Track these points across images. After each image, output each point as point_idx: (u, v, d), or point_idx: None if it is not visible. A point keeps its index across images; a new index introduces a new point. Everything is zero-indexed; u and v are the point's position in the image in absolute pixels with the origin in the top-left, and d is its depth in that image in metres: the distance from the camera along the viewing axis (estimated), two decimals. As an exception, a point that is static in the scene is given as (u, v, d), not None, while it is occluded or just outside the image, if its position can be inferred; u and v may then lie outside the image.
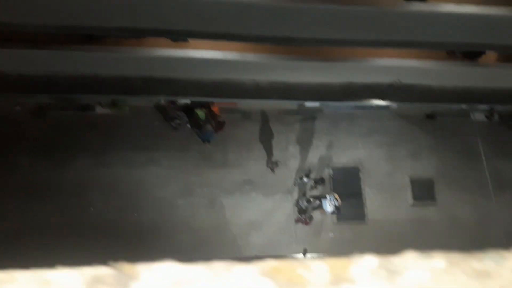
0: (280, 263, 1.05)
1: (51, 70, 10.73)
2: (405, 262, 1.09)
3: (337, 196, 13.85)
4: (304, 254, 13.64)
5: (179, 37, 10.38)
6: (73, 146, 13.54)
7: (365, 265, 1.06)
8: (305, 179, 14.25)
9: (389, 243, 14.15)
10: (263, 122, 15.10)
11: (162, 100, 14.16)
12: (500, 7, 9.07)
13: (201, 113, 14.09)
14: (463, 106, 14.73)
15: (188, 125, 14.33)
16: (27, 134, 13.43)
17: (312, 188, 14.02)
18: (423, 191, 15.31)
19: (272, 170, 14.38)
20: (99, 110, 14.07)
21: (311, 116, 15.39)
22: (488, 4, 9.10)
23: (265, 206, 14.16)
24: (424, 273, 1.06)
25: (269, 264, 1.05)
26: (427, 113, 16.14)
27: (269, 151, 14.81)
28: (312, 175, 14.46)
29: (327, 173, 14.95)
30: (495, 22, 9.20)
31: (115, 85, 11.18)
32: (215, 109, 14.44)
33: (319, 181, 13.91)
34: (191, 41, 10.67)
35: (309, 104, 14.31)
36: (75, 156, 13.46)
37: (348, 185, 15.01)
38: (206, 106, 14.23)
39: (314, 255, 13.66)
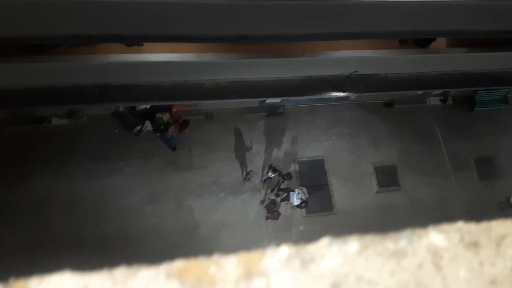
0: (188, 263, 1.03)
1: (1, 84, 10.28)
2: (319, 249, 1.08)
3: (305, 190, 14.03)
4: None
5: (133, 41, 10.18)
6: (30, 161, 13.02)
7: (278, 257, 1.05)
8: (270, 174, 14.31)
9: (358, 231, 14.41)
10: (225, 122, 15.07)
11: (121, 107, 13.86)
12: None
13: (162, 117, 13.89)
14: (418, 92, 15.21)
15: (152, 130, 14.09)
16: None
17: (279, 182, 14.11)
18: (387, 177, 15.73)
19: (249, 180, 14.41)
20: (56, 121, 13.60)
21: (273, 112, 15.49)
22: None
23: (234, 205, 14.14)
24: (338, 258, 1.06)
25: (177, 265, 1.02)
26: (385, 102, 16.58)
27: (233, 151, 14.80)
28: (279, 170, 14.54)
29: (293, 167, 15.09)
30: (443, 9, 9.53)
31: (70, 95, 10.82)
32: (174, 111, 14.28)
33: (286, 176, 14.02)
34: (146, 45, 10.48)
35: (270, 100, 14.38)
36: (33, 171, 12.94)
37: (314, 177, 15.22)
38: (167, 109, 14.05)
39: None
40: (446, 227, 1.15)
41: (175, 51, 10.41)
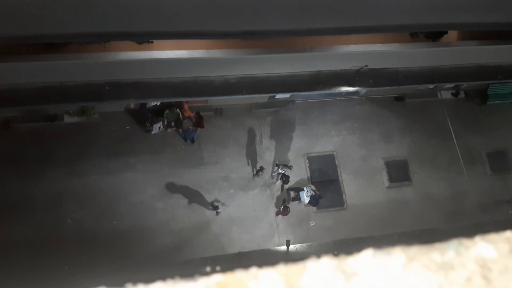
0: (227, 277, 0.99)
1: (14, 82, 10.41)
2: (363, 262, 1.03)
3: (313, 187, 14.08)
4: (288, 245, 13.75)
5: (143, 39, 10.24)
6: (44, 158, 13.20)
7: (320, 270, 1.01)
8: (280, 170, 14.34)
9: (369, 226, 14.41)
10: (235, 117, 15.10)
11: (132, 103, 13.96)
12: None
13: (172, 113, 13.96)
14: (430, 86, 15.06)
15: (162, 127, 14.17)
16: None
17: (283, 178, 14.21)
18: (398, 172, 15.64)
19: (259, 176, 14.40)
20: (68, 119, 13.74)
21: (282, 107, 15.48)
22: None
23: (244, 201, 14.19)
24: (383, 271, 1.01)
25: (215, 279, 0.99)
26: (395, 96, 16.44)
27: (243, 147, 14.83)
28: (289, 165, 14.54)
29: (303, 163, 15.09)
30: (455, 1, 9.41)
31: (82, 93, 10.94)
32: (185, 107, 14.32)
33: (284, 166, 14.16)
34: (156, 42, 10.53)
35: (280, 96, 14.37)
36: (47, 168, 13.13)
37: (325, 173, 15.19)
38: (178, 106, 14.10)
39: (297, 245, 13.80)
40: (494, 237, 1.09)
41: (185, 48, 10.45)
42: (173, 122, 14.14)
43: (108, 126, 14.02)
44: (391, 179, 15.48)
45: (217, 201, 13.83)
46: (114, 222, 13.13)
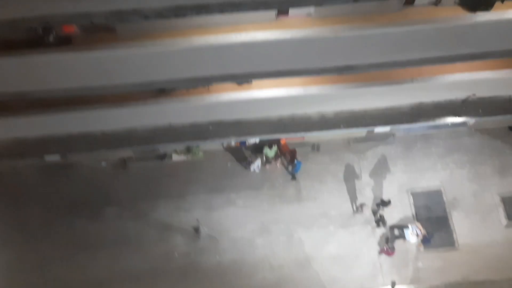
0: None
1: (129, 125, 11.55)
2: None
3: (419, 226, 13.26)
4: (393, 286, 12.96)
5: (244, 80, 10.77)
6: (155, 194, 14.31)
7: None
8: (383, 208, 13.77)
9: (485, 269, 13.07)
10: (332, 152, 14.96)
11: (233, 141, 14.64)
12: None
13: (270, 151, 14.35)
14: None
15: (262, 164, 14.62)
16: (113, 186, 14.43)
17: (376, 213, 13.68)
18: (518, 209, 14.12)
19: (359, 212, 14.06)
20: (176, 157, 14.86)
21: (382, 141, 15.00)
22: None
23: (344, 238, 13.77)
24: None
25: None
26: (509, 125, 15.09)
27: (342, 182, 14.56)
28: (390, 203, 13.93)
29: (407, 200, 14.32)
30: None
31: (187, 132, 11.74)
32: (283, 143, 14.65)
33: (385, 203, 13.56)
34: (255, 81, 11.01)
35: (379, 129, 13.98)
36: (158, 204, 14.19)
37: (431, 210, 14.24)
38: (275, 142, 14.46)
39: (403, 287, 12.94)
40: None
41: (282, 86, 10.76)
42: (271, 159, 14.55)
43: (211, 164, 14.83)
44: (510, 217, 13.96)
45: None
46: (217, 256, 13.56)
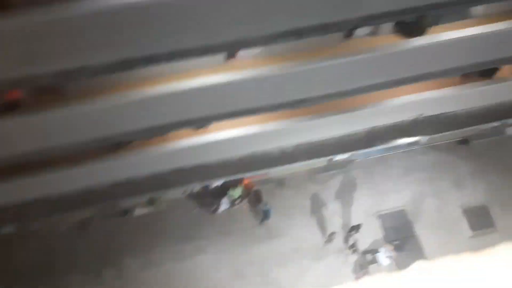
0: None
1: (87, 183, 11.16)
2: None
3: (390, 247, 13.41)
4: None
5: (200, 124, 10.77)
6: (120, 253, 13.71)
7: None
8: (353, 234, 13.85)
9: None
10: (298, 186, 15.04)
11: (196, 187, 14.42)
12: (500, 22, 9.16)
13: (234, 192, 14.25)
14: (494, 124, 14.35)
15: (228, 206, 14.44)
16: (74, 251, 13.71)
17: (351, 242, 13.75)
18: (480, 219, 14.60)
19: (330, 241, 14.08)
20: (139, 211, 14.41)
21: (343, 168, 15.28)
22: (486, 21, 9.21)
23: (319, 270, 13.67)
24: None
25: None
26: (459, 140, 15.81)
27: (310, 214, 14.58)
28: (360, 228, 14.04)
29: (375, 223, 14.49)
30: (500, 37, 9.25)
31: (148, 184, 11.47)
32: (246, 183, 14.60)
33: (355, 228, 13.68)
34: (212, 124, 11.02)
35: (338, 157, 14.26)
36: (125, 263, 13.56)
37: (399, 230, 14.46)
38: (239, 182, 14.39)
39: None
40: None
41: (240, 126, 10.83)
42: (236, 200, 14.43)
43: (176, 213, 14.49)
44: (474, 227, 14.40)
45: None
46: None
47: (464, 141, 15.74)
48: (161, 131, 10.23)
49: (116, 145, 10.88)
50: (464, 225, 14.48)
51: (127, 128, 9.14)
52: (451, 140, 15.73)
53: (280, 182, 15.03)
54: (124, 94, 8.52)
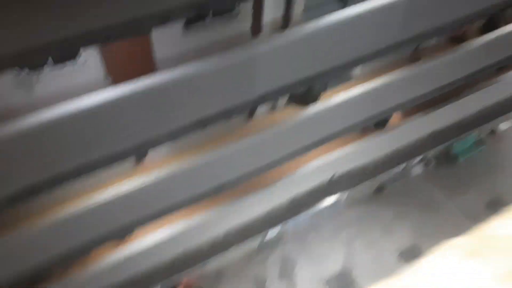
0: None
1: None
2: None
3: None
4: None
5: (123, 233, 10.27)
6: None
7: None
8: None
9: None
10: (238, 273, 14.61)
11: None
12: (377, 79, 10.29)
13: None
14: (399, 167, 15.52)
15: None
16: None
17: None
18: (416, 257, 15.07)
19: None
20: None
21: (277, 243, 15.24)
22: (365, 79, 10.31)
23: None
24: None
25: None
26: (375, 189, 16.73)
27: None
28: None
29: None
30: (380, 91, 10.35)
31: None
32: (185, 282, 13.87)
33: None
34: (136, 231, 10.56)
35: (269, 235, 14.27)
36: None
37: (348, 290, 14.43)
38: (178, 285, 13.64)
39: None
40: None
41: (165, 225, 10.52)
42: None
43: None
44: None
45: None
46: None
47: (379, 189, 16.68)
48: (83, 250, 9.58)
49: (35, 277, 9.92)
50: (404, 267, 14.85)
51: (38, 260, 8.44)
52: (369, 192, 16.58)
53: (219, 274, 14.50)
54: (30, 224, 7.98)
